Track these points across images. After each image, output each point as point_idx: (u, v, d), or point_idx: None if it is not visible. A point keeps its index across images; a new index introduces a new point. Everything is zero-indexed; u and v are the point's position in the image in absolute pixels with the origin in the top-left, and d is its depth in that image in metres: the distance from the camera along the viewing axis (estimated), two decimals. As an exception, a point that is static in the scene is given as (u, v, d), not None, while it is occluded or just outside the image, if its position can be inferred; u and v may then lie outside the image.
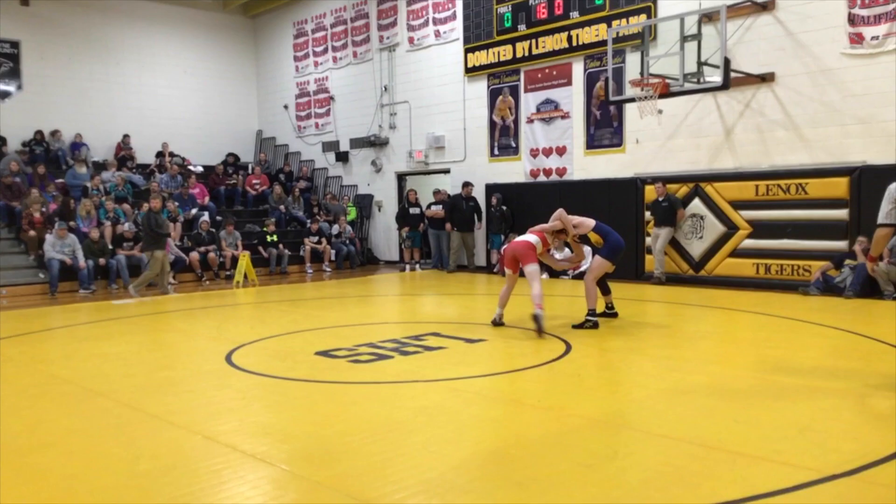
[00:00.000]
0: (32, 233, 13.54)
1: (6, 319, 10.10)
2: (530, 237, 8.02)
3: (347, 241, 16.97)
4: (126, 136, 18.36)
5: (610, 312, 8.45)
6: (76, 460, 4.11)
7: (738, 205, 11.74)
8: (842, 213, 10.70)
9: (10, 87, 17.26)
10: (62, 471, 3.95)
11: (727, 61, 10.61)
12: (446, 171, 16.47)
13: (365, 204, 18.20)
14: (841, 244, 10.66)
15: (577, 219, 8.31)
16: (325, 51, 19.07)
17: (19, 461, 4.15)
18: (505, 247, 13.95)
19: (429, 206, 15.73)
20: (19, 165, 15.22)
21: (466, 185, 15.23)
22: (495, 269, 14.53)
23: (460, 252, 15.45)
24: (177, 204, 15.75)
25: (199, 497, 3.52)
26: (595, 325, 7.87)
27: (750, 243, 11.64)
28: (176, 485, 3.68)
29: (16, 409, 5.32)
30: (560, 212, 8.26)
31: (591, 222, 8.26)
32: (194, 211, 16.11)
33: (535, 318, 7.35)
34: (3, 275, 12.98)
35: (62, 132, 17.55)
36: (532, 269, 7.72)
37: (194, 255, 14.57)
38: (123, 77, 18.91)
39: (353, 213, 17.75)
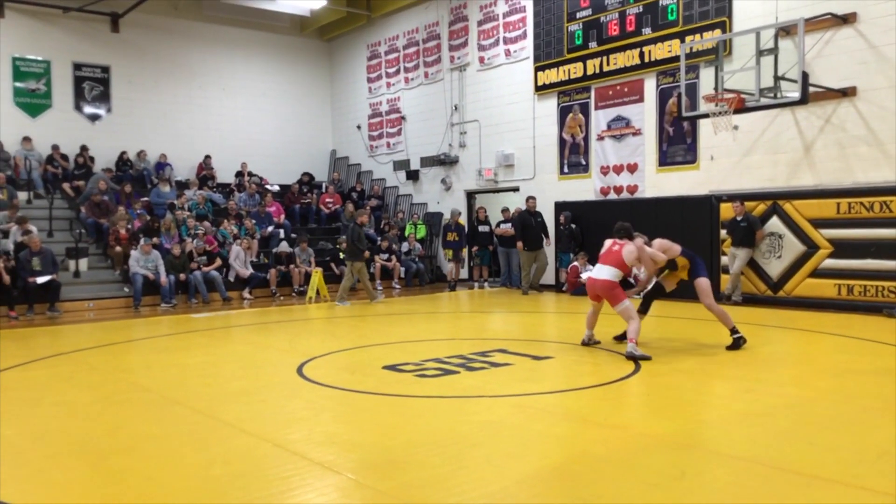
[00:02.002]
0: (118, 249, 14.16)
1: (93, 331, 10.60)
2: (608, 272, 7.43)
3: (416, 259, 17.14)
4: (208, 157, 19.08)
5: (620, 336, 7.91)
6: (153, 464, 4.28)
7: (819, 223, 11.33)
8: (930, 232, 10.22)
9: (101, 110, 18.20)
10: (140, 473, 4.12)
11: (805, 75, 10.32)
12: (515, 190, 16.48)
13: (434, 222, 18.36)
14: (930, 264, 10.17)
15: (661, 246, 7.70)
16: (398, 72, 19.42)
17: (101, 463, 4.36)
18: (573, 265, 14.01)
19: (498, 224, 15.74)
20: (107, 184, 15.97)
21: (530, 198, 14.96)
22: (564, 288, 14.41)
23: (533, 271, 14.89)
24: (254, 222, 16.24)
25: (269, 501, 3.62)
26: (744, 340, 7.56)
27: (831, 263, 11.21)
28: (246, 490, 3.79)
29: (99, 414, 5.58)
30: (640, 248, 7.52)
31: (677, 247, 7.73)
32: (270, 228, 16.58)
33: (629, 357, 7.01)
34: (90, 288, 13.64)
35: (147, 152, 18.37)
36: (622, 308, 7.27)
37: (273, 271, 15.00)
38: (205, 100, 19.70)
39: (422, 231, 17.92)
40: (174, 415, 5.47)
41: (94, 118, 18.12)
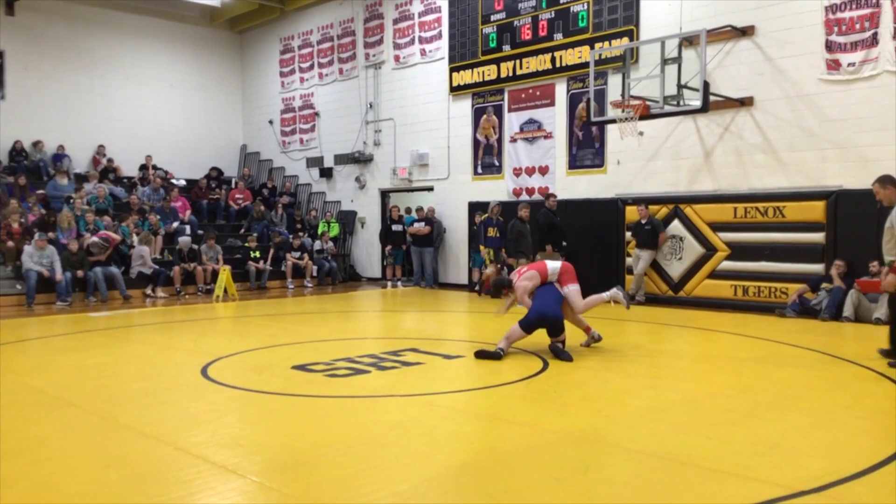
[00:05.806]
0: (10, 243, 13.41)
1: (-20, 330, 9.98)
2: None
3: (329, 257, 16.95)
4: (101, 146, 18.29)
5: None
6: (45, 468, 4.06)
7: (717, 227, 11.85)
8: (818, 237, 10.83)
9: (-7, 97, 17.20)
10: (30, 478, 3.90)
11: (706, 85, 10.77)
12: (430, 189, 16.52)
13: (348, 220, 18.21)
14: (817, 267, 10.77)
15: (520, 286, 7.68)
16: (311, 67, 19.15)
17: (-14, 469, 4.10)
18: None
19: (411, 224, 15.75)
20: (-1, 175, 15.12)
21: (551, 196, 13.27)
22: (476, 287, 14.53)
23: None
24: (158, 217, 15.67)
25: (168, 507, 3.49)
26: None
27: (728, 265, 11.74)
28: (145, 494, 3.65)
29: (-15, 418, 5.25)
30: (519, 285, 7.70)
31: (524, 289, 7.62)
32: (176, 224, 16.04)
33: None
34: (-21, 285, 12.86)
35: (44, 143, 17.46)
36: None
37: (177, 269, 14.50)
38: (108, 89, 18.88)
39: (335, 230, 17.75)
40: (68, 417, 5.21)
41: (-16, 105, 17.09)
